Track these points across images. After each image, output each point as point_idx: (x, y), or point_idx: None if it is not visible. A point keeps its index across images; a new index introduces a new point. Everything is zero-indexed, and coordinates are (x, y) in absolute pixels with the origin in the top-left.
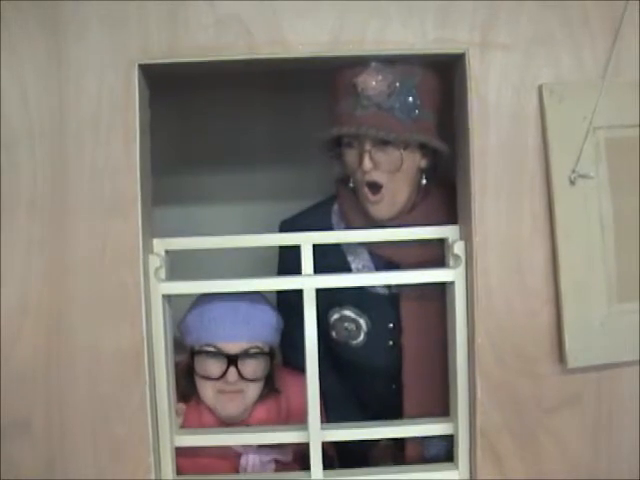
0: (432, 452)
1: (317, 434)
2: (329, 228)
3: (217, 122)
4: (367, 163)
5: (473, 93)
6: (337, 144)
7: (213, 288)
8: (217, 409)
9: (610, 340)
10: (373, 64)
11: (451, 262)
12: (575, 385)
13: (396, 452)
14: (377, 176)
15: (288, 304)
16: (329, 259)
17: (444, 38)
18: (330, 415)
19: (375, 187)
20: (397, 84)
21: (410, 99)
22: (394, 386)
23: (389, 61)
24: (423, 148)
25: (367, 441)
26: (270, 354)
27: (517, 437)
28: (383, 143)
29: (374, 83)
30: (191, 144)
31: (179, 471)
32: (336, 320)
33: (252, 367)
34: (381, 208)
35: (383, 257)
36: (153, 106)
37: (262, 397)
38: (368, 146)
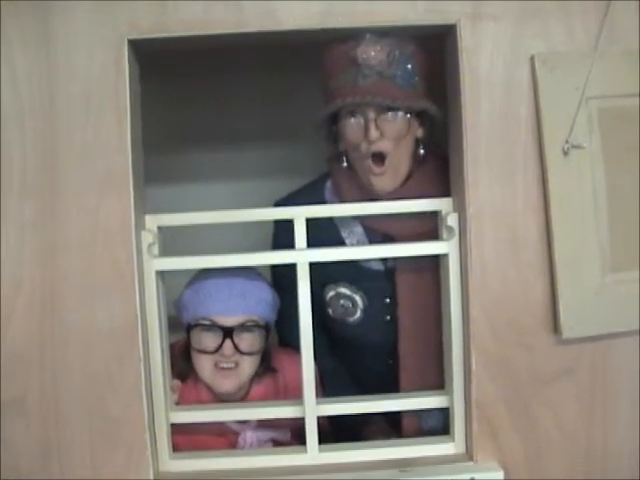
0: (430, 424)
1: (312, 408)
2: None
3: (209, 100)
4: (373, 132)
5: (465, 64)
6: (333, 121)
7: (206, 263)
8: (214, 385)
9: (605, 310)
10: (368, 35)
11: (444, 234)
12: (570, 356)
13: (390, 431)
14: (383, 145)
15: (283, 285)
16: (323, 236)
17: (435, 9)
18: (328, 393)
19: (380, 158)
20: (396, 52)
21: (409, 67)
22: (391, 361)
23: (382, 32)
24: (420, 117)
25: (360, 421)
26: (266, 329)
27: (513, 409)
28: (387, 111)
29: (373, 53)
30: (183, 123)
31: (175, 449)
32: (332, 297)
33: (248, 340)
34: (385, 180)
35: (379, 231)
36: (145, 85)
37: (259, 376)
38: (373, 115)
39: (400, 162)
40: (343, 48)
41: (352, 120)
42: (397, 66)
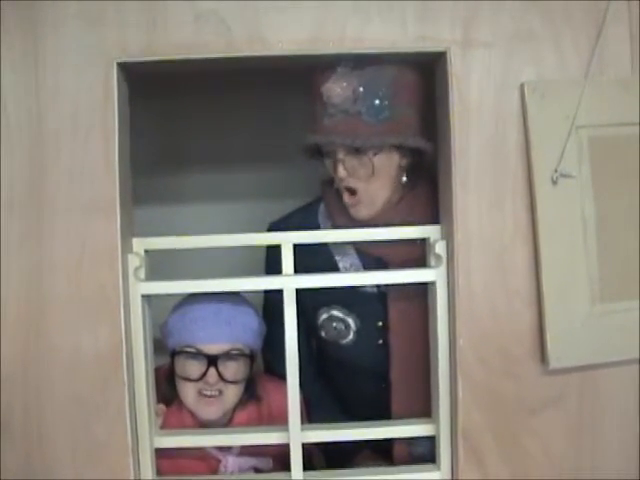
0: (419, 451)
1: (297, 435)
2: (316, 229)
3: (199, 122)
4: (341, 171)
5: (455, 91)
6: (317, 149)
7: (193, 288)
8: (197, 412)
9: (593, 340)
10: (339, 69)
11: (432, 262)
12: (558, 386)
13: (379, 458)
14: (353, 182)
15: (273, 311)
16: (317, 259)
17: (425, 36)
18: (314, 421)
19: (352, 191)
20: (360, 89)
21: (377, 102)
22: (384, 385)
23: (359, 63)
24: (400, 147)
25: (349, 448)
26: (251, 357)
27: (499, 438)
28: (355, 150)
29: (339, 90)
30: (174, 144)
31: (158, 473)
32: (325, 320)
33: (233, 369)
34: (359, 210)
35: (372, 255)
36: (135, 106)
37: (243, 403)
38: (341, 154)
39: (375, 195)
40: (316, 83)
41: (326, 156)
42: (362, 102)
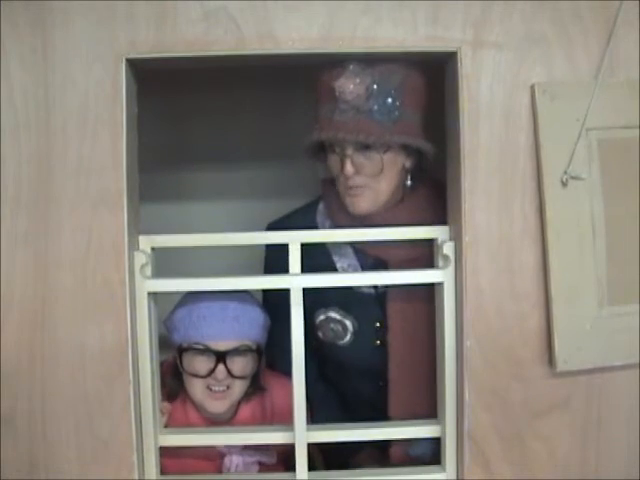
0: (418, 452)
1: (303, 435)
2: (314, 228)
3: (203, 120)
4: (349, 168)
5: (464, 92)
6: (321, 148)
7: (200, 286)
8: (205, 407)
9: (600, 343)
10: (351, 67)
11: (440, 263)
12: (564, 389)
13: (380, 458)
14: (359, 180)
15: (274, 308)
16: (314, 259)
17: (436, 36)
18: (317, 419)
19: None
20: (374, 86)
21: (389, 100)
22: (382, 384)
23: (369, 61)
24: (407, 148)
25: (351, 447)
26: (258, 352)
27: (505, 440)
28: (364, 147)
29: (352, 87)
30: (177, 142)
31: (162, 471)
32: (322, 321)
33: (241, 364)
34: (361, 202)
35: (370, 255)
36: (140, 103)
37: (248, 395)
38: (349, 151)
39: (380, 192)
40: (327, 78)
41: (332, 153)
42: (375, 100)
